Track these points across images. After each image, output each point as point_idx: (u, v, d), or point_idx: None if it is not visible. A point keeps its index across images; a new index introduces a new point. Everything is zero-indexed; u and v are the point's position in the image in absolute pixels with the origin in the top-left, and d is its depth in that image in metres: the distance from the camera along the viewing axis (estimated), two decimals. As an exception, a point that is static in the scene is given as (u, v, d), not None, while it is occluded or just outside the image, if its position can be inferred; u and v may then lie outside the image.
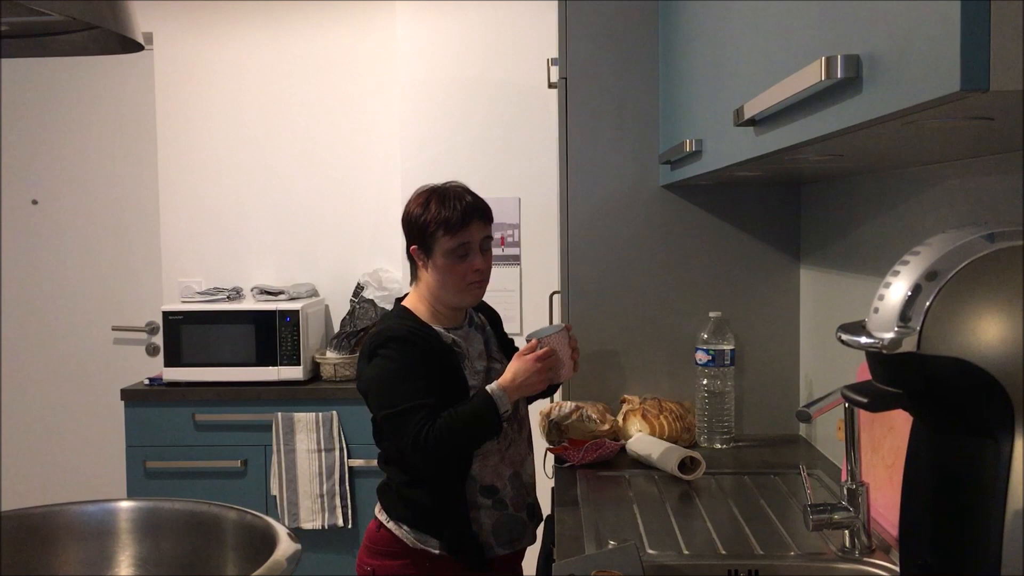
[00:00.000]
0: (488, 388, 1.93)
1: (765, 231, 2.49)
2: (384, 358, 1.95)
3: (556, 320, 2.70)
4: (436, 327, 2.01)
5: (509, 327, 2.33)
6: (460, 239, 1.97)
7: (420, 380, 1.93)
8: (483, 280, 2.03)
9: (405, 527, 1.99)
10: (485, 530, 2.00)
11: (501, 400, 1.92)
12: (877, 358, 0.88)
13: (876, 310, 0.88)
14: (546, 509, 2.20)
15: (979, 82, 0.70)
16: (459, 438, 1.90)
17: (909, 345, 0.84)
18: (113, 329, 4.02)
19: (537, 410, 2.36)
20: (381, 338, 1.97)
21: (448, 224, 1.96)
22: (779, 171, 1.95)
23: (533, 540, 2.13)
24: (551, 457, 2.31)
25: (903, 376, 0.87)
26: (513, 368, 1.96)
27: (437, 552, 1.97)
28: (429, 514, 1.98)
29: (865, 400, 0.89)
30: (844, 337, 0.90)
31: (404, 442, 1.90)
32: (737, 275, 2.50)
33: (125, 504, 1.44)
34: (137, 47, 1.61)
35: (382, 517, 2.04)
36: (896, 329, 0.85)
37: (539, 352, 1.96)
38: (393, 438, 1.95)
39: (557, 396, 2.42)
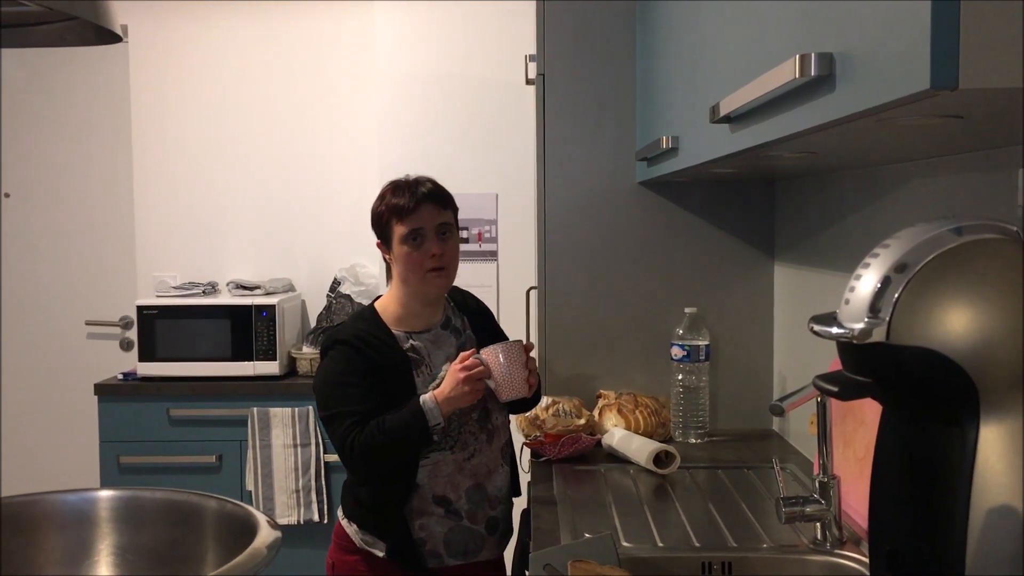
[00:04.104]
0: (421, 398, 1.89)
1: (740, 228, 2.51)
2: (329, 360, 1.98)
3: (533, 322, 2.70)
4: (398, 330, 2.00)
5: (487, 323, 2.33)
6: (412, 224, 1.95)
7: (357, 386, 1.92)
8: (443, 267, 1.98)
9: (355, 526, 1.99)
10: (435, 538, 1.96)
11: (431, 411, 1.87)
12: (847, 348, 0.90)
13: (847, 301, 0.90)
14: (523, 503, 2.21)
15: (948, 80, 0.72)
16: (385, 447, 1.87)
17: (879, 335, 0.86)
18: (87, 323, 3.99)
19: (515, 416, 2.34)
20: (330, 340, 1.99)
21: (399, 210, 1.96)
22: (754, 168, 1.98)
23: (495, 554, 2.08)
24: (527, 451, 2.32)
25: (873, 365, 0.89)
26: (445, 378, 1.92)
27: (381, 555, 1.95)
28: (373, 517, 1.98)
29: (836, 389, 0.91)
30: (816, 328, 0.92)
31: (335, 446, 1.93)
32: (712, 271, 2.52)
33: (104, 493, 1.44)
34: (114, 38, 1.61)
35: (340, 513, 2.06)
36: (866, 320, 0.87)
37: (465, 363, 1.90)
38: (331, 440, 1.96)
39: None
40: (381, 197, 2.02)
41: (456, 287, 2.13)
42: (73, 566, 1.38)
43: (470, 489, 1.99)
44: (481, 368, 1.90)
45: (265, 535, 1.20)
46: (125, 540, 1.40)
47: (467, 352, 1.93)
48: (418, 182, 2.00)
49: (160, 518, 1.42)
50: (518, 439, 2.29)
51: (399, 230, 1.96)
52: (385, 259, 2.06)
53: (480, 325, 2.14)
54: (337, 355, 1.96)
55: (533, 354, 2.02)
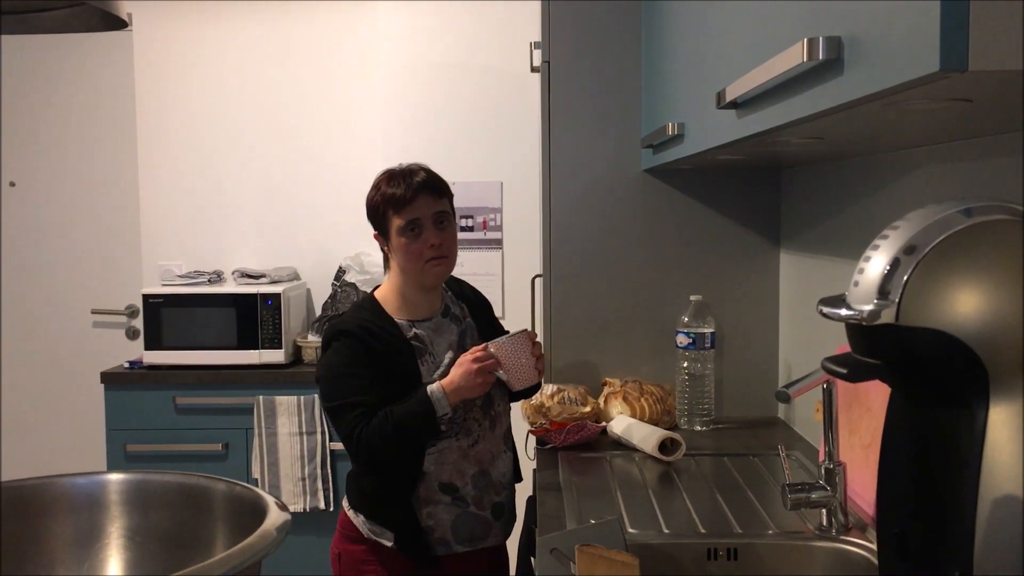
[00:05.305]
0: (428, 388, 1.89)
1: (746, 215, 2.51)
2: (333, 351, 1.96)
3: (538, 310, 2.71)
4: (400, 319, 1.99)
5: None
6: (409, 215, 1.94)
7: (362, 377, 1.91)
8: (443, 256, 1.97)
9: (362, 516, 1.99)
10: (443, 526, 1.97)
11: (439, 402, 1.87)
12: (856, 330, 0.90)
13: (856, 283, 0.90)
14: (528, 491, 2.22)
15: (958, 62, 0.72)
16: (392, 438, 1.87)
17: (888, 317, 0.86)
18: (92, 312, 4.00)
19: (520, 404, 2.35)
20: (333, 331, 1.98)
21: (395, 201, 1.94)
22: (760, 155, 1.97)
23: (501, 540, 2.09)
24: (533, 439, 2.32)
25: (882, 347, 0.89)
26: (454, 369, 1.92)
27: (390, 545, 1.95)
28: (381, 507, 1.97)
29: (844, 371, 0.91)
30: (825, 310, 0.92)
31: (341, 437, 1.92)
32: (718, 259, 2.52)
33: (114, 477, 1.45)
34: (121, 24, 1.61)
35: (345, 504, 2.05)
36: (875, 302, 0.87)
37: (477, 356, 1.90)
38: (336, 431, 1.95)
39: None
40: (376, 187, 2.00)
41: (452, 276, 2.13)
42: (83, 549, 1.39)
43: (475, 475, 2.00)
44: (493, 361, 1.91)
45: (275, 517, 1.20)
46: (135, 523, 1.40)
47: (479, 346, 1.93)
48: (412, 171, 1.99)
49: (169, 501, 1.43)
50: (520, 425, 2.30)
51: (396, 221, 1.95)
52: (383, 249, 2.05)
53: (479, 314, 2.14)
54: (341, 346, 1.95)
55: (538, 341, 2.03)
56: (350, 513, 2.02)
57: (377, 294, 2.06)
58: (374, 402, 1.89)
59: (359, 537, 1.99)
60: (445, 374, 1.95)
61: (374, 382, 1.92)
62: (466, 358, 1.91)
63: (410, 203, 1.94)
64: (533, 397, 2.35)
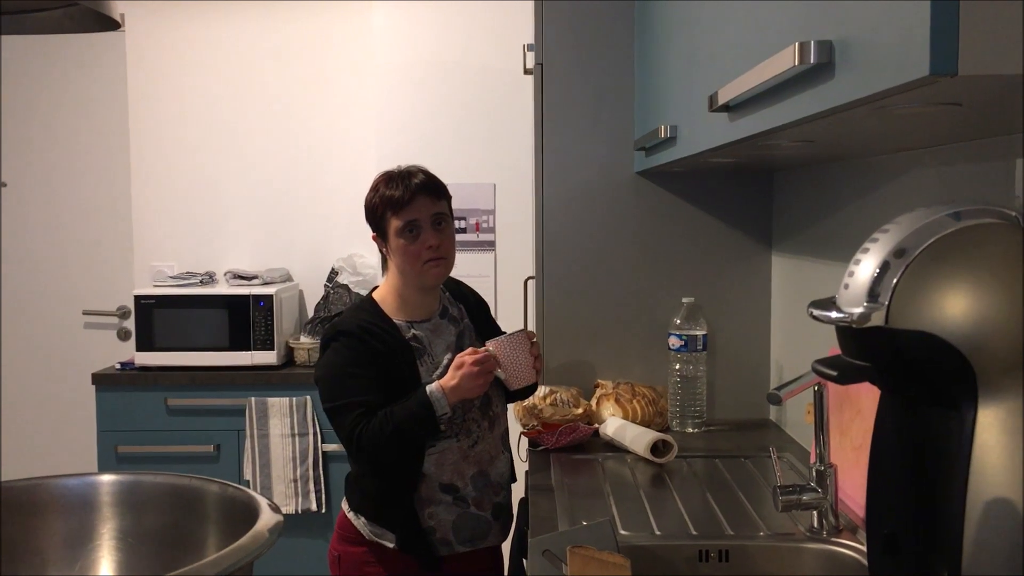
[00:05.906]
0: (427, 388, 1.89)
1: (738, 218, 2.52)
2: (333, 351, 1.96)
3: (531, 312, 2.71)
4: (399, 320, 2.00)
5: (485, 312, 2.33)
6: (407, 216, 1.95)
7: (363, 377, 1.92)
8: (441, 257, 1.98)
9: (363, 518, 1.99)
10: (444, 526, 1.97)
11: (439, 402, 1.87)
12: (846, 332, 0.91)
13: (846, 286, 0.90)
14: (520, 492, 2.22)
15: (948, 67, 0.72)
16: (393, 438, 1.87)
17: (877, 320, 0.87)
18: (84, 313, 3.99)
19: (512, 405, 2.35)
20: (333, 331, 1.98)
21: (394, 203, 1.95)
22: (752, 158, 1.98)
23: (500, 539, 2.09)
24: (525, 440, 2.33)
25: (871, 349, 0.90)
26: (452, 369, 1.91)
27: (391, 546, 1.96)
28: (382, 508, 1.98)
29: (835, 373, 0.91)
30: (815, 312, 0.92)
31: (342, 438, 1.92)
32: (710, 261, 2.53)
33: (106, 478, 1.44)
34: (114, 24, 1.60)
35: (345, 506, 2.06)
36: (865, 304, 0.87)
37: (476, 356, 1.90)
38: (336, 432, 1.96)
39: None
40: (374, 189, 2.01)
41: (449, 276, 2.13)
42: (75, 550, 1.38)
43: (475, 476, 2.01)
44: (491, 360, 1.91)
45: (267, 518, 1.20)
46: (127, 524, 1.40)
47: (481, 349, 1.93)
48: (410, 173, 2.00)
49: (162, 502, 1.42)
50: (513, 427, 2.30)
51: (395, 223, 1.96)
52: (381, 251, 2.06)
53: (477, 314, 2.15)
54: (341, 346, 1.96)
55: (536, 341, 2.03)
56: (350, 515, 2.02)
57: (375, 295, 2.07)
58: (374, 402, 1.90)
59: (359, 539, 1.99)
60: (444, 375, 1.95)
61: (374, 382, 1.92)
62: (465, 358, 1.91)
63: (408, 204, 1.95)
64: (526, 399, 2.36)
